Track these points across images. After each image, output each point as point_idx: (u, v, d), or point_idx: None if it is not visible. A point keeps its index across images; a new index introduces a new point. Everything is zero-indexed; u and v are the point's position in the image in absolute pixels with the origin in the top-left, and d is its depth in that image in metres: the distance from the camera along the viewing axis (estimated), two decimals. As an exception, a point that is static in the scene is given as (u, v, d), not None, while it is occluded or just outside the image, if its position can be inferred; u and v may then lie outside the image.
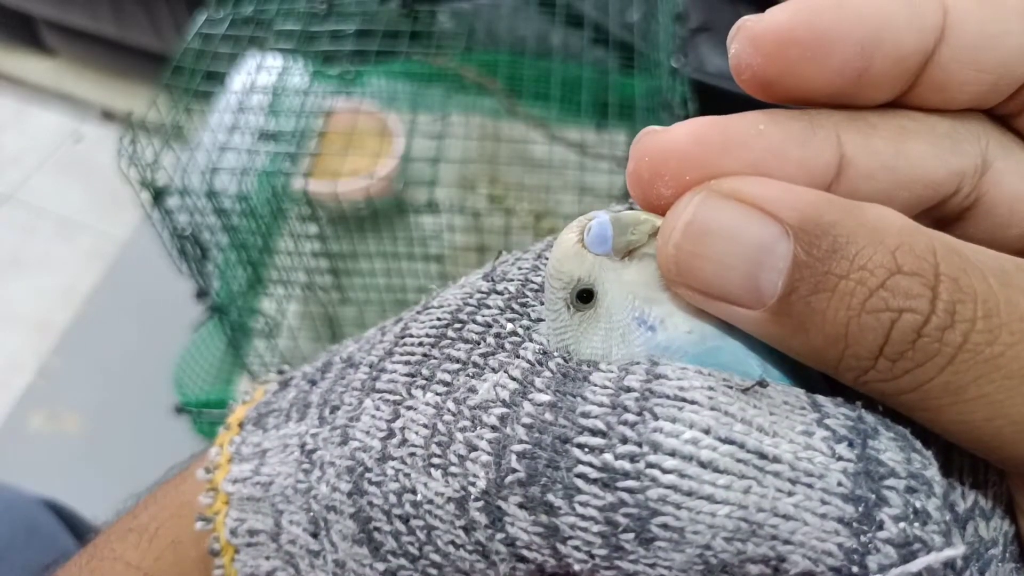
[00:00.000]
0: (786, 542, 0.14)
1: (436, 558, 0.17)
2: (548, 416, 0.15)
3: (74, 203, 1.60)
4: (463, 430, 0.16)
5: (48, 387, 0.68)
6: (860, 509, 0.13)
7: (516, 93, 0.71)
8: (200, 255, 0.51)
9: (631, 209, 0.16)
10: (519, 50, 0.72)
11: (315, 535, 0.19)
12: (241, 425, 0.22)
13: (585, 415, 0.15)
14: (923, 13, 0.14)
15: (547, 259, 0.18)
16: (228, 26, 0.53)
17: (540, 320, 0.18)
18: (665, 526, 0.14)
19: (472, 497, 0.16)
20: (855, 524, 0.13)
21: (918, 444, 0.14)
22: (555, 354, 0.17)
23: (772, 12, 0.14)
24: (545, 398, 0.16)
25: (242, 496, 0.21)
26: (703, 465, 0.14)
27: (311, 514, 0.19)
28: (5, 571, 0.38)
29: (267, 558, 0.21)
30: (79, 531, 0.44)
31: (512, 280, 0.19)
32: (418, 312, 0.20)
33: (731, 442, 0.14)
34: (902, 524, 0.13)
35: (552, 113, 0.70)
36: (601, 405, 0.15)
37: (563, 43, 0.91)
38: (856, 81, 0.14)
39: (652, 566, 0.14)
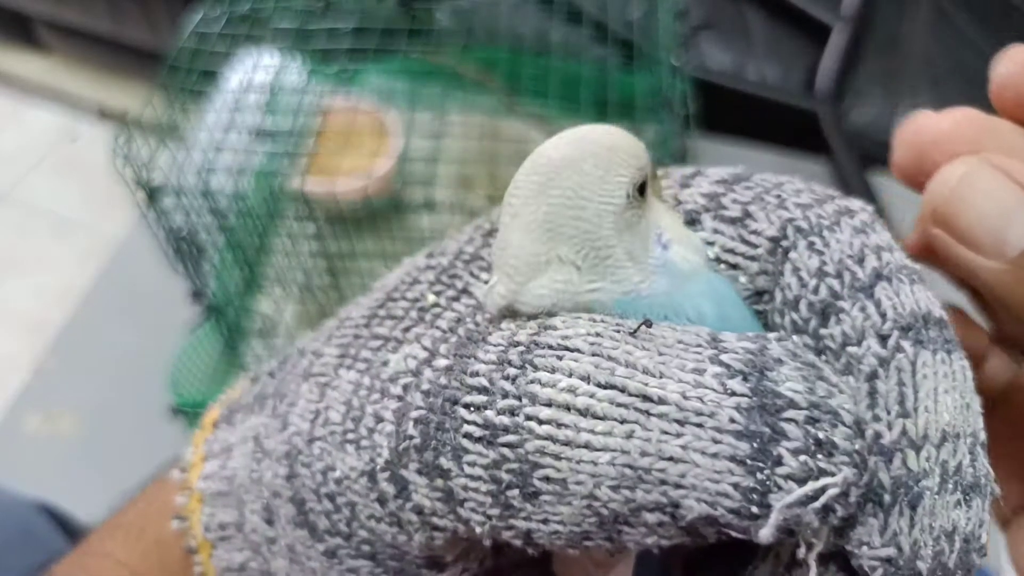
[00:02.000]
0: (677, 486, 0.13)
1: (364, 534, 0.17)
2: (443, 380, 0.15)
3: (70, 202, 1.59)
4: (373, 402, 0.16)
5: (43, 388, 0.68)
6: (755, 445, 0.13)
7: (515, 91, 0.71)
8: (196, 255, 0.50)
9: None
10: (518, 47, 0.72)
11: (270, 522, 0.19)
12: (215, 424, 0.23)
13: (473, 374, 0.15)
14: None
15: (489, 227, 0.19)
16: (224, 24, 0.52)
17: (464, 292, 0.18)
18: (547, 479, 0.13)
19: (379, 468, 0.15)
20: (749, 462, 0.13)
21: (827, 371, 0.14)
22: (467, 320, 0.16)
23: None
24: (444, 363, 0.15)
25: (212, 492, 0.21)
26: (580, 412, 0.13)
27: (263, 502, 0.19)
28: (0, 574, 0.38)
29: (239, 550, 0.21)
30: (74, 534, 0.44)
31: (446, 254, 0.19)
32: (363, 297, 0.20)
33: (611, 387, 0.13)
34: (802, 457, 0.13)
35: (552, 111, 0.70)
36: (489, 363, 0.15)
37: (563, 40, 0.90)
38: None
39: (544, 522, 0.14)
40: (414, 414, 0.15)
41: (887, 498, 0.14)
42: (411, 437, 0.15)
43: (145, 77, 1.58)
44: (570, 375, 0.14)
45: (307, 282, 0.59)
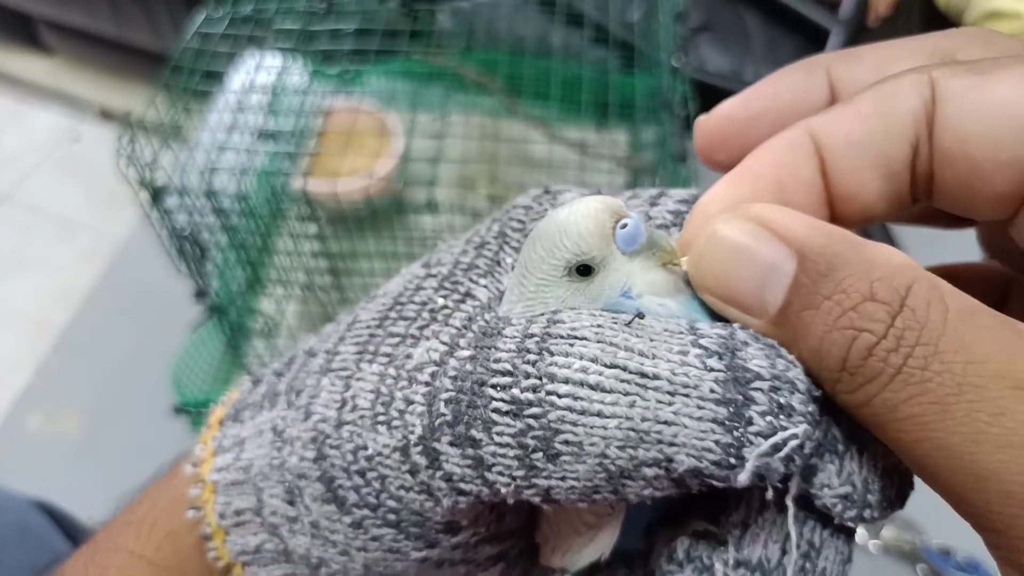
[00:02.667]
0: (671, 444, 0.16)
1: (392, 504, 0.20)
2: (468, 367, 0.18)
3: (72, 203, 1.59)
4: (402, 389, 0.19)
5: (46, 387, 0.68)
6: (731, 410, 0.16)
7: (516, 92, 0.71)
8: (199, 255, 0.51)
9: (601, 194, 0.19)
10: (519, 49, 0.72)
11: (291, 503, 0.22)
12: (221, 423, 0.25)
13: (496, 360, 0.17)
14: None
15: (501, 231, 0.22)
16: (227, 25, 0.53)
17: (469, 295, 0.20)
18: (566, 442, 0.16)
19: (412, 443, 0.18)
20: (727, 423, 0.16)
21: (783, 351, 0.16)
22: (478, 319, 0.19)
23: None
24: (467, 353, 0.18)
25: (227, 482, 0.23)
26: (592, 387, 0.16)
27: (286, 485, 0.22)
28: None
29: (254, 534, 0.23)
30: (71, 532, 0.44)
31: (444, 264, 0.21)
32: (366, 302, 0.23)
33: (615, 366, 0.16)
34: (768, 418, 0.16)
35: (552, 112, 0.70)
36: (509, 351, 0.18)
37: (563, 42, 0.91)
38: None
39: (562, 479, 0.17)
40: (444, 395, 0.18)
41: (840, 447, 0.17)
42: (443, 415, 0.18)
43: (147, 78, 1.58)
44: (581, 358, 0.17)
45: (309, 282, 0.59)
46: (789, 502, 0.17)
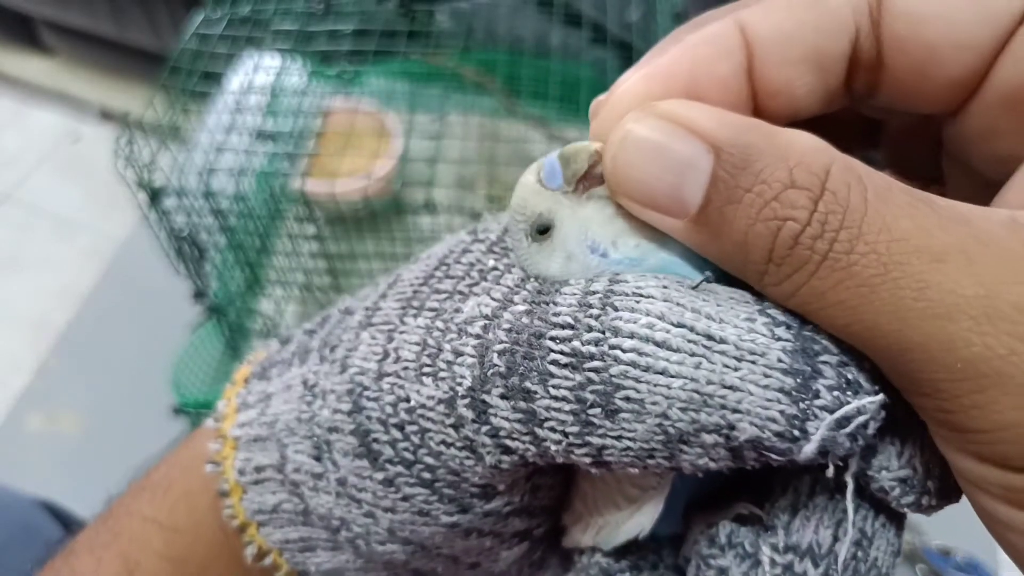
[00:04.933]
0: (734, 411, 0.15)
1: (429, 460, 0.19)
2: (525, 320, 0.17)
3: (72, 203, 1.59)
4: (450, 341, 0.18)
5: (46, 387, 0.68)
6: (798, 381, 0.15)
7: (515, 93, 0.71)
8: (197, 256, 0.51)
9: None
10: (518, 50, 0.72)
11: (318, 458, 0.21)
12: (246, 380, 0.24)
13: (556, 314, 0.17)
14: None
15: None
16: (225, 26, 0.53)
17: None
18: (627, 399, 0.16)
19: (459, 395, 0.18)
20: (794, 393, 0.15)
21: None
22: (530, 279, 0.19)
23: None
24: (522, 308, 0.18)
25: (248, 438, 0.22)
26: (658, 344, 0.16)
27: (314, 439, 0.21)
28: (2, 572, 0.38)
29: (273, 492, 0.22)
30: (75, 530, 0.44)
31: (492, 231, 0.21)
32: (409, 264, 0.22)
33: (682, 326, 0.16)
34: (835, 392, 0.15)
35: (551, 113, 0.70)
36: (570, 305, 0.17)
37: (562, 43, 0.91)
38: None
39: (618, 438, 0.16)
40: (498, 347, 0.17)
41: (902, 428, 0.16)
42: (496, 366, 0.17)
43: (147, 79, 1.59)
44: (647, 314, 0.16)
45: (308, 282, 0.59)
46: (848, 479, 0.16)
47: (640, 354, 0.16)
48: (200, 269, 0.52)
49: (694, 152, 0.15)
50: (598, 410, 0.16)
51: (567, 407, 0.16)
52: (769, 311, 0.16)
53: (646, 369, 0.16)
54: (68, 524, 0.44)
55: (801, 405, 0.15)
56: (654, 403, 0.16)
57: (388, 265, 0.55)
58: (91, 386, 0.68)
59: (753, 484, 0.18)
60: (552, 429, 0.17)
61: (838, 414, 0.15)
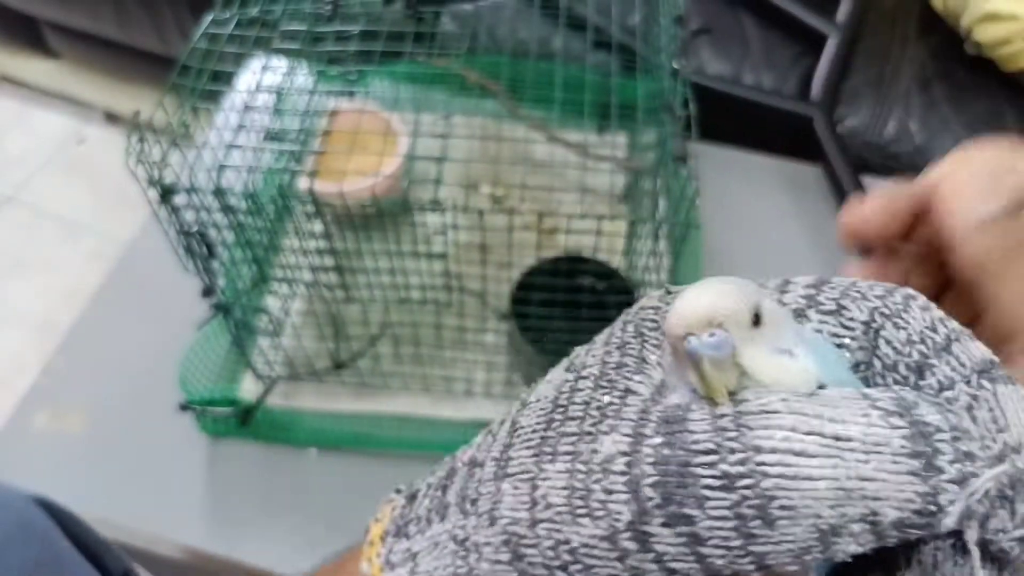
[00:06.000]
0: (875, 499, 0.18)
1: None
2: (666, 451, 0.19)
3: (77, 204, 1.60)
4: (597, 481, 0.20)
5: (52, 386, 0.68)
6: (922, 462, 0.18)
7: (518, 96, 0.72)
8: (207, 253, 0.51)
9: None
10: (521, 53, 0.73)
11: None
12: (382, 539, 0.25)
13: (696, 442, 0.19)
14: None
15: (638, 331, 0.24)
16: (234, 27, 0.53)
17: (629, 391, 0.22)
18: (783, 507, 0.18)
19: (620, 530, 0.19)
20: (923, 473, 0.18)
21: (950, 406, 0.19)
22: (652, 410, 0.20)
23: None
24: (658, 440, 0.20)
25: None
26: (798, 454, 0.18)
27: None
28: (1, 570, 0.38)
29: None
30: (71, 529, 0.44)
31: (591, 366, 0.23)
32: (519, 411, 0.24)
33: (812, 432, 0.18)
34: (956, 465, 0.18)
35: (554, 115, 0.71)
36: (705, 431, 0.19)
37: (565, 46, 0.92)
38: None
39: (778, 543, 0.18)
40: (648, 480, 0.19)
41: (1009, 492, 0.18)
42: (651, 498, 0.19)
43: (152, 81, 1.59)
44: (781, 428, 0.18)
45: (314, 280, 0.60)
46: (972, 546, 0.18)
47: (786, 465, 0.18)
48: (209, 266, 0.53)
49: None
50: (758, 522, 0.18)
51: (728, 524, 0.18)
52: (879, 404, 0.18)
53: (793, 477, 0.18)
54: (64, 522, 0.44)
55: (931, 482, 0.17)
56: (806, 506, 0.18)
57: (394, 263, 0.56)
58: (97, 384, 0.68)
59: (882, 557, 0.20)
60: (716, 546, 0.19)
61: (972, 486, 0.17)
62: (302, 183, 0.52)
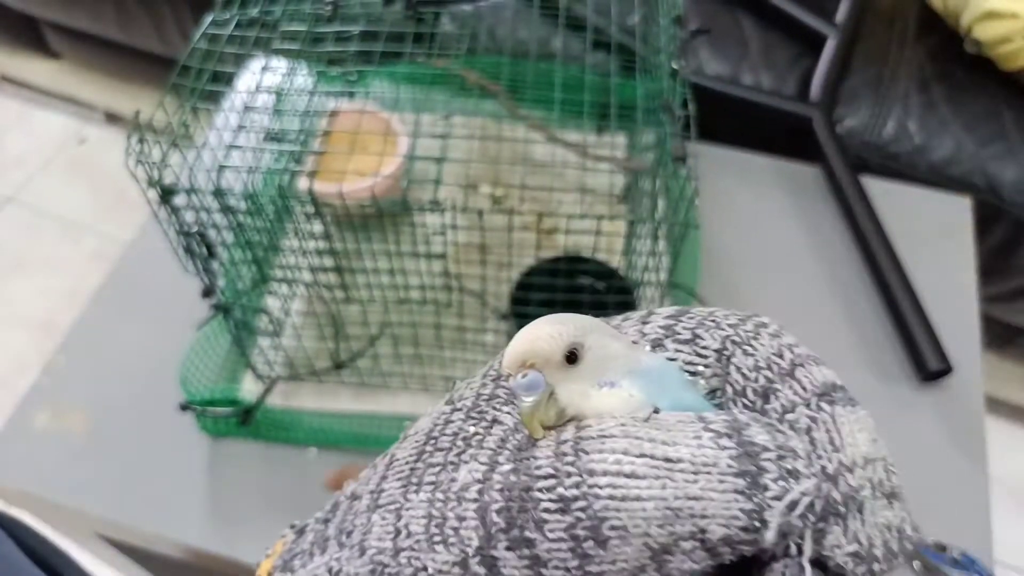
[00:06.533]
0: (702, 516, 0.18)
1: None
2: (512, 478, 0.20)
3: (78, 205, 1.60)
4: (452, 509, 0.21)
5: (52, 386, 0.69)
6: (748, 480, 0.18)
7: (518, 96, 0.72)
8: (206, 253, 0.52)
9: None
10: (520, 53, 0.73)
11: None
12: (270, 574, 0.26)
13: (538, 467, 0.20)
14: None
15: (495, 374, 0.25)
16: (234, 27, 0.54)
17: (496, 421, 0.23)
18: (613, 527, 0.19)
19: (470, 555, 0.20)
20: (747, 491, 0.18)
21: (781, 427, 0.20)
22: (509, 439, 0.22)
23: None
24: (508, 467, 0.21)
25: None
26: (627, 476, 0.19)
27: None
28: None
29: None
30: (27, 543, 0.43)
31: (467, 398, 0.24)
32: (400, 443, 0.25)
33: (643, 455, 0.19)
34: (780, 482, 0.18)
35: (553, 116, 0.71)
36: (547, 457, 0.20)
37: (564, 47, 0.92)
38: None
39: (612, 563, 0.19)
40: (495, 506, 0.20)
41: (841, 509, 0.19)
42: (496, 523, 0.20)
43: (152, 82, 1.59)
44: (613, 452, 0.19)
45: (314, 280, 0.60)
46: (805, 563, 0.19)
47: (616, 487, 0.19)
48: (209, 266, 0.53)
49: None
50: (591, 542, 0.19)
51: (565, 546, 0.19)
52: (712, 426, 0.19)
53: (623, 499, 0.19)
54: (18, 535, 0.43)
55: (755, 500, 0.18)
56: (636, 526, 0.18)
57: (393, 263, 0.56)
58: (97, 385, 0.69)
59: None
60: (556, 567, 0.19)
61: (786, 500, 0.18)
62: (302, 183, 0.53)
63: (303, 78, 0.57)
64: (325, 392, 0.65)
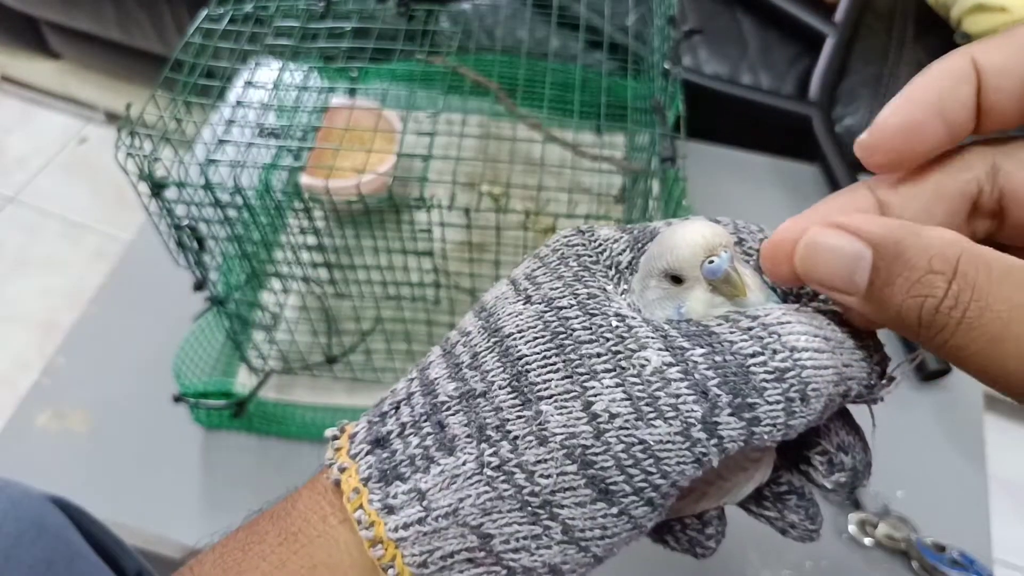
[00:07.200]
0: (850, 378, 0.24)
1: (659, 480, 0.24)
2: (717, 358, 0.23)
3: (79, 205, 1.61)
4: (660, 389, 0.23)
5: (53, 385, 0.69)
6: (867, 351, 0.25)
7: (512, 94, 0.72)
8: (197, 247, 0.52)
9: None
10: (516, 52, 0.73)
11: (534, 523, 0.24)
12: (359, 489, 0.26)
13: (740, 348, 0.23)
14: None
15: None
16: (228, 23, 0.54)
17: (619, 315, 0.25)
18: (815, 388, 0.23)
19: (693, 424, 0.23)
20: (869, 359, 0.25)
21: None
22: (664, 328, 0.25)
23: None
24: (700, 351, 0.24)
25: (420, 533, 0.25)
26: (816, 351, 0.23)
27: (529, 508, 0.24)
28: (14, 568, 0.38)
29: (460, 573, 0.25)
30: (86, 528, 0.44)
31: (562, 296, 0.26)
32: (496, 342, 0.26)
33: (819, 335, 0.23)
34: (877, 354, 0.26)
35: (548, 115, 0.71)
36: (743, 339, 0.24)
37: (559, 45, 0.92)
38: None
39: (808, 415, 0.23)
40: (713, 382, 0.23)
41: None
42: (718, 395, 0.23)
43: (152, 82, 1.59)
44: (802, 333, 0.24)
45: (307, 276, 0.60)
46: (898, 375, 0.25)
47: (814, 358, 0.23)
48: (200, 260, 0.53)
49: (859, 249, 0.22)
50: (799, 402, 0.23)
51: (779, 406, 0.23)
52: (827, 314, 0.25)
53: (819, 367, 0.23)
54: (79, 521, 0.44)
55: (874, 367, 0.25)
56: (824, 386, 0.23)
57: (383, 260, 0.56)
58: (99, 384, 0.69)
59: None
60: (768, 424, 0.23)
61: (895, 369, 0.25)
62: (295, 179, 0.53)
63: (297, 74, 0.57)
64: (319, 386, 0.65)
